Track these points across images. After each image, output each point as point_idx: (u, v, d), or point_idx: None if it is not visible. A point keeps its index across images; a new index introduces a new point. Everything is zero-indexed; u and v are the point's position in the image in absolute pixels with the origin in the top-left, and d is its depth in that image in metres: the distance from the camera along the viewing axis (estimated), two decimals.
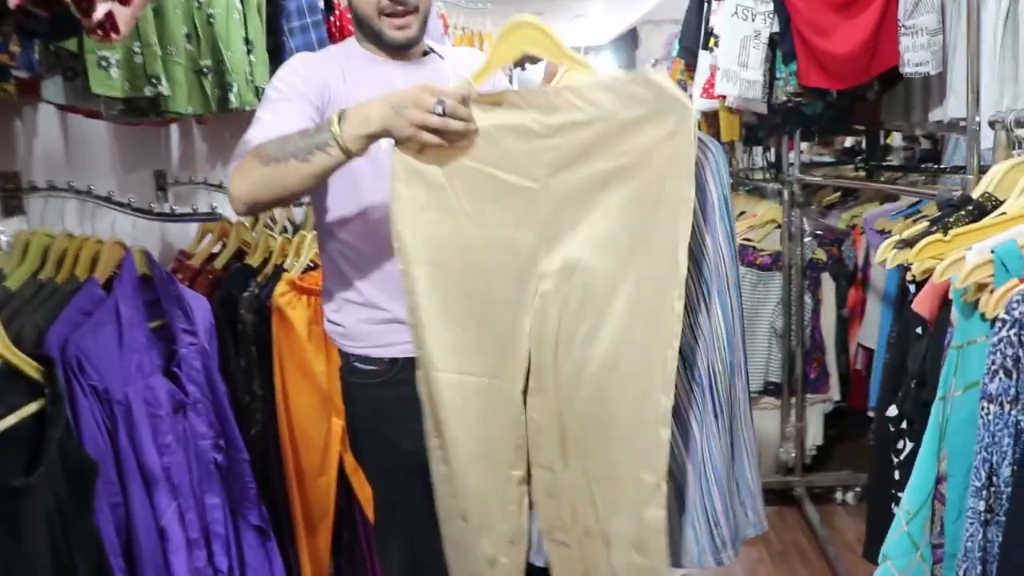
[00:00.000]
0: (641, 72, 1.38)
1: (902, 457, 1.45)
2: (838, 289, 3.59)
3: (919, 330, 1.44)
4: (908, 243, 1.54)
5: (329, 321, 1.80)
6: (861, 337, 3.67)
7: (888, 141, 5.09)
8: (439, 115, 1.36)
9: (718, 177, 1.45)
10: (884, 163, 4.72)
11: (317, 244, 1.81)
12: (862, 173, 4.68)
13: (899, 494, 1.46)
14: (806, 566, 2.90)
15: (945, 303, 1.34)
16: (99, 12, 1.17)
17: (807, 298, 3.46)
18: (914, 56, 2.62)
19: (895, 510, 1.47)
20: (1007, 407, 1.10)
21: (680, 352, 1.38)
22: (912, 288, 1.48)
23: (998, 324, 1.12)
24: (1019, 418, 1.09)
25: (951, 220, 1.54)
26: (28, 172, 1.83)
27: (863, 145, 5.90)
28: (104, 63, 1.44)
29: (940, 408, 1.26)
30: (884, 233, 3.48)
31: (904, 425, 1.44)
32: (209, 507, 1.85)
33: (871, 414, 3.50)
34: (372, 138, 1.42)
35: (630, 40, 10.98)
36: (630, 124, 1.35)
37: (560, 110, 1.39)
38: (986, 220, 1.43)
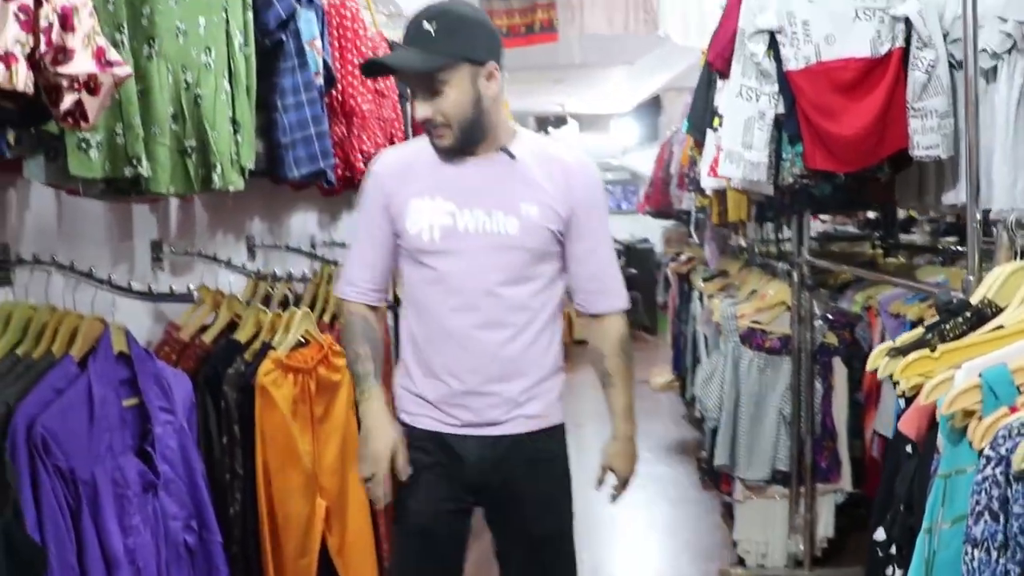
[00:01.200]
0: None
1: None
2: (852, 373, 3.50)
3: (909, 449, 1.37)
4: (901, 351, 1.48)
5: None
6: (877, 424, 3.55)
7: (911, 213, 5.04)
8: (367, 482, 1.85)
9: None
10: (902, 243, 4.67)
11: None
12: (880, 251, 4.64)
13: None
14: None
15: (933, 424, 1.28)
16: (67, 102, 1.16)
17: (817, 383, 3.37)
18: (924, 139, 2.57)
19: None
20: (994, 554, 1.03)
21: None
22: (902, 403, 1.41)
23: (982, 460, 1.05)
24: (1009, 567, 1.01)
25: (947, 327, 1.48)
26: (19, 243, 1.82)
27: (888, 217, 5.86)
28: (84, 145, 1.43)
29: (926, 541, 1.18)
30: (898, 317, 3.41)
31: (893, 551, 1.37)
32: None
33: None
34: None
35: (653, 107, 11.03)
36: None
37: None
38: (978, 334, 1.37)
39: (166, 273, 2.34)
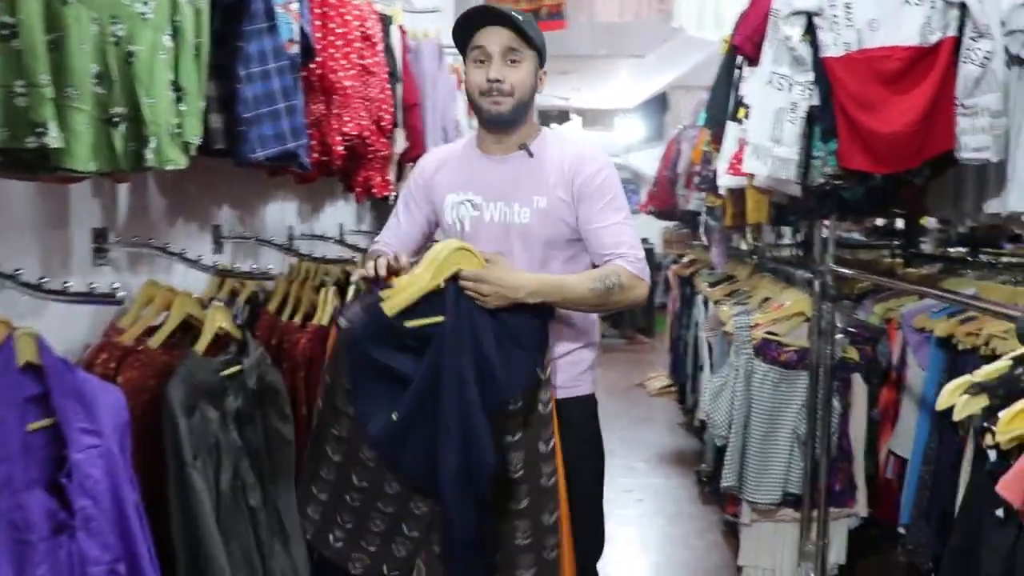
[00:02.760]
0: None
1: None
2: (870, 390, 3.23)
3: (1001, 513, 1.09)
4: (985, 389, 1.20)
5: None
6: (893, 444, 3.30)
7: (921, 221, 4.77)
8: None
9: None
10: (923, 252, 4.39)
11: None
12: (899, 260, 4.36)
13: None
14: None
15: None
16: None
17: (835, 401, 3.09)
18: (973, 140, 2.31)
19: None
20: None
21: None
22: (992, 455, 1.13)
23: None
24: None
25: None
26: None
27: (896, 224, 5.59)
28: None
29: None
30: (923, 332, 3.14)
31: None
32: None
33: (901, 530, 3.13)
34: None
35: (659, 104, 10.77)
36: None
37: None
38: None
39: (111, 267, 2.05)
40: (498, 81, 1.99)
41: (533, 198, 2.04)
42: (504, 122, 2.05)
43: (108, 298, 1.46)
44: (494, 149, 2.10)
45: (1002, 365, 1.23)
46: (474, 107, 2.08)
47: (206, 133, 1.73)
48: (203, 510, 1.74)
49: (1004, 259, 3.68)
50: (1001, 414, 1.09)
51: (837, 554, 3.25)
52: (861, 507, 3.23)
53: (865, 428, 3.23)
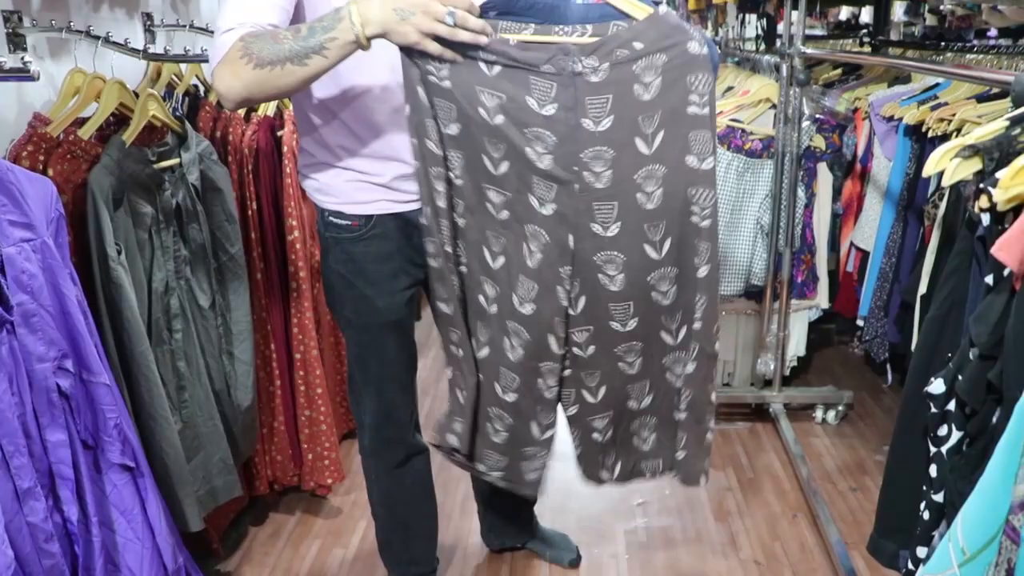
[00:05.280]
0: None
1: (944, 449, 1.07)
2: (833, 183, 3.19)
3: (990, 280, 1.04)
4: (979, 151, 1.13)
5: (305, 176, 1.75)
6: (855, 237, 3.30)
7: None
8: (449, 25, 1.37)
9: None
10: (893, 40, 4.24)
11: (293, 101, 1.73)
12: (867, 49, 4.21)
13: (933, 495, 1.10)
14: (779, 497, 2.60)
15: None
16: None
17: (800, 191, 3.04)
18: None
19: (924, 513, 1.12)
20: None
21: None
22: (985, 219, 1.07)
23: None
24: None
25: None
26: None
27: (858, 19, 5.39)
28: None
29: None
30: (891, 120, 3.05)
31: (952, 407, 1.07)
32: (52, 445, 1.46)
33: (860, 322, 3.18)
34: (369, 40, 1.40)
35: None
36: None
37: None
38: None
39: (30, 53, 1.87)
40: None
41: None
42: None
43: (20, 73, 1.30)
44: None
45: (998, 126, 1.15)
46: None
47: None
48: (128, 306, 1.67)
49: (973, 52, 3.56)
50: (1000, 173, 1.02)
51: (797, 345, 3.30)
52: (822, 298, 3.25)
53: (829, 220, 3.21)
